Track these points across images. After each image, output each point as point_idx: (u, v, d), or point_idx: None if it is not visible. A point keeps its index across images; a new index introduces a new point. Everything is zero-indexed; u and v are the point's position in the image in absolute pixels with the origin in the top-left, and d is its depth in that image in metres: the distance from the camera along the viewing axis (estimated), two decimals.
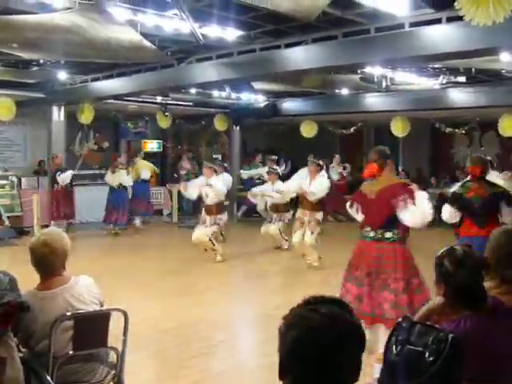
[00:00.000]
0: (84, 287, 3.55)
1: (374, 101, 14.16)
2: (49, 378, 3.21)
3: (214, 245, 9.94)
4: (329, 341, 1.51)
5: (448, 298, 2.70)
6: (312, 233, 9.29)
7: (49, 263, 3.43)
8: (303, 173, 9.89)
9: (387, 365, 2.27)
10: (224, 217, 10.19)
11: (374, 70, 10.43)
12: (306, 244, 9.33)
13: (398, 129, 14.51)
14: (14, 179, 14.41)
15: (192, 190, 10.48)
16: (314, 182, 9.32)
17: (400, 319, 2.38)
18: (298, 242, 9.40)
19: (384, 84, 11.45)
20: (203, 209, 10.31)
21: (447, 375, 2.11)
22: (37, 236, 3.58)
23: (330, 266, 9.02)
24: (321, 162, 9.66)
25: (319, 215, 9.49)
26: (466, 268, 2.66)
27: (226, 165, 12.71)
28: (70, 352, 3.42)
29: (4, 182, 14.25)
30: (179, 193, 15.61)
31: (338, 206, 13.87)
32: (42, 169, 15.75)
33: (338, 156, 16.14)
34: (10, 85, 12.62)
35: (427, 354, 2.14)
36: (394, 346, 2.25)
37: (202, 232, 9.90)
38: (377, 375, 2.50)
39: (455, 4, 4.95)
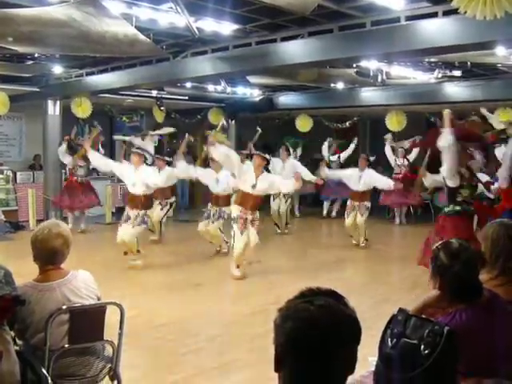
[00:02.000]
0: (82, 282, 3.55)
1: (369, 95, 14.15)
2: (44, 371, 3.21)
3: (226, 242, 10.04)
4: (324, 332, 1.51)
5: (443, 290, 2.70)
6: (362, 215, 11.02)
7: (59, 254, 3.45)
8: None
9: (382, 357, 2.28)
10: (228, 209, 9.77)
11: (370, 64, 10.42)
12: (358, 224, 11.05)
13: (394, 123, 14.51)
14: (9, 173, 14.40)
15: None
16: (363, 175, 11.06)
17: (395, 312, 2.39)
18: (351, 223, 11.08)
19: (380, 78, 11.44)
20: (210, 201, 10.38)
21: (442, 368, 2.12)
22: (42, 228, 3.50)
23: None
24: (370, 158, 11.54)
25: (368, 203, 11.18)
26: (461, 261, 2.67)
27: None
28: (66, 345, 3.43)
29: None
30: (174, 187, 15.62)
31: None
32: (38, 163, 15.71)
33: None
34: (5, 79, 12.57)
35: (422, 346, 2.15)
36: (389, 339, 2.26)
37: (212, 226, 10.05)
38: (372, 368, 2.50)
39: (452, 4, 4.94)
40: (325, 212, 15.44)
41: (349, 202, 11.30)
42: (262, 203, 8.86)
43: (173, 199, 11.89)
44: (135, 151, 9.43)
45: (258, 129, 13.24)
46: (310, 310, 1.53)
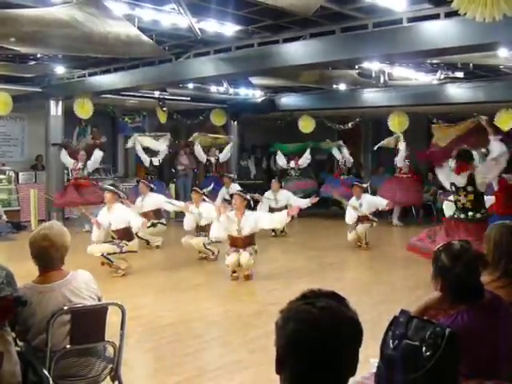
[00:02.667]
0: (82, 282, 3.55)
1: (371, 96, 14.16)
2: (46, 371, 3.21)
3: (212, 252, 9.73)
4: (326, 334, 1.51)
5: (445, 292, 2.70)
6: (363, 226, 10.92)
7: (48, 257, 3.44)
8: None
9: (384, 359, 2.27)
10: None
11: (372, 65, 10.43)
12: (360, 234, 10.90)
13: (396, 124, 14.48)
14: (12, 174, 14.42)
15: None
16: None
17: (397, 313, 2.38)
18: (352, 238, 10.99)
19: (382, 79, 11.46)
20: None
21: (444, 370, 2.12)
22: (37, 229, 3.59)
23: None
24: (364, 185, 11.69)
25: (373, 217, 11.12)
26: (463, 262, 2.66)
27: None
28: (68, 346, 3.43)
29: (1, 176, 14.27)
30: (175, 188, 15.62)
31: None
32: (40, 163, 15.73)
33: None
34: (8, 79, 12.59)
35: (424, 348, 2.14)
36: (391, 341, 2.26)
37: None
38: (373, 369, 2.50)
39: (452, 5, 4.95)
40: None
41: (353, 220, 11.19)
42: (254, 238, 8.47)
43: (163, 220, 11.60)
44: (108, 188, 9.33)
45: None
46: (312, 312, 1.53)
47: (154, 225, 11.02)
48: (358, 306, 1.64)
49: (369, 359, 2.61)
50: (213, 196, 15.03)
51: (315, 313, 1.53)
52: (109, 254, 8.38)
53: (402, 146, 13.96)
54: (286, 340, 1.53)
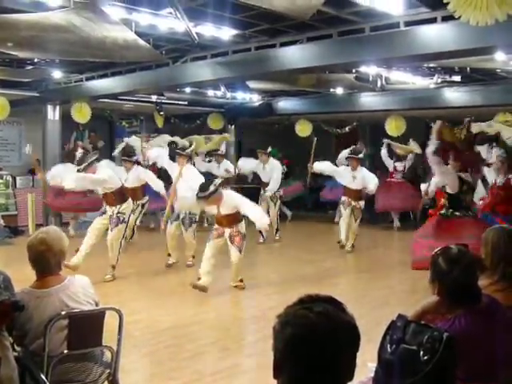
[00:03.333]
0: (79, 287, 3.54)
1: (369, 100, 14.17)
2: (43, 376, 3.21)
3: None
4: (323, 338, 1.51)
5: (442, 296, 2.70)
6: (356, 220, 11.19)
7: (45, 261, 3.43)
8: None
9: (382, 364, 2.27)
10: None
11: (369, 69, 10.45)
12: (352, 229, 11.12)
13: (393, 128, 14.50)
14: (9, 178, 14.41)
15: None
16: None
17: (395, 318, 2.38)
18: (347, 221, 11.16)
19: (379, 83, 11.48)
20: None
21: (442, 374, 2.11)
22: (35, 234, 3.60)
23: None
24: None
25: (362, 203, 11.30)
26: (460, 266, 2.66)
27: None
28: (65, 351, 3.42)
29: None
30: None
31: None
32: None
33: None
34: (5, 84, 12.58)
35: (422, 352, 2.14)
36: (388, 345, 2.26)
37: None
38: (371, 374, 2.50)
39: (448, 7, 4.96)
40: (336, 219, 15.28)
41: (344, 198, 11.28)
42: (240, 217, 7.93)
43: (145, 199, 11.18)
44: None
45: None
46: (309, 317, 1.53)
47: (143, 206, 10.99)
48: (355, 311, 1.64)
49: (366, 364, 2.61)
50: None
51: (312, 317, 1.53)
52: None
53: (410, 155, 14.09)
54: (284, 344, 1.53)
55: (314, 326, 1.52)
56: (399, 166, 14.33)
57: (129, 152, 11.11)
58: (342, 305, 1.61)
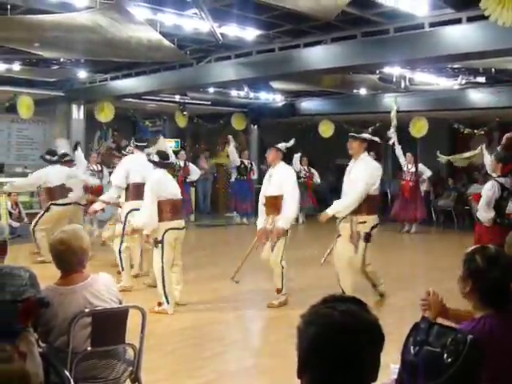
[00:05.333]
0: (103, 285, 3.57)
1: (392, 101, 14.09)
2: (67, 373, 3.24)
3: None
4: (347, 338, 1.51)
5: (474, 295, 2.64)
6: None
7: (65, 260, 3.48)
8: None
9: (405, 365, 2.26)
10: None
11: (393, 70, 10.39)
12: None
13: (417, 129, 14.41)
14: None
15: None
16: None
17: (418, 319, 2.37)
18: None
19: (403, 84, 11.41)
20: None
21: (466, 377, 2.09)
22: (56, 233, 3.64)
23: None
24: None
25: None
26: (499, 266, 2.61)
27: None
28: (89, 348, 3.45)
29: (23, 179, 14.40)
30: (195, 191, 15.67)
31: None
32: None
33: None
34: (31, 83, 12.75)
35: (445, 355, 2.12)
36: (411, 347, 2.24)
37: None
38: (393, 376, 2.49)
39: (480, 4, 4.92)
40: None
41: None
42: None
43: None
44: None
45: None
46: (333, 316, 1.53)
47: None
48: (378, 311, 1.64)
49: (389, 365, 2.60)
50: (239, 200, 15.05)
51: (336, 316, 1.53)
52: None
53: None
54: (308, 344, 1.54)
55: (338, 324, 1.52)
56: (411, 167, 13.92)
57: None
58: (366, 305, 1.61)
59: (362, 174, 6.96)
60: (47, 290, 3.41)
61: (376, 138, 7.28)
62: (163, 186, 6.88)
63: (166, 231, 6.63)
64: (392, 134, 13.82)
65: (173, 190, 7.01)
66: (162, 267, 6.60)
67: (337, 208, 7.43)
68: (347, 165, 7.31)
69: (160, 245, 6.63)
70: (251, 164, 15.51)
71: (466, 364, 2.08)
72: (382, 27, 7.70)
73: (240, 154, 15.82)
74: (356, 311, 1.56)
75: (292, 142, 7.51)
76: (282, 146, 7.22)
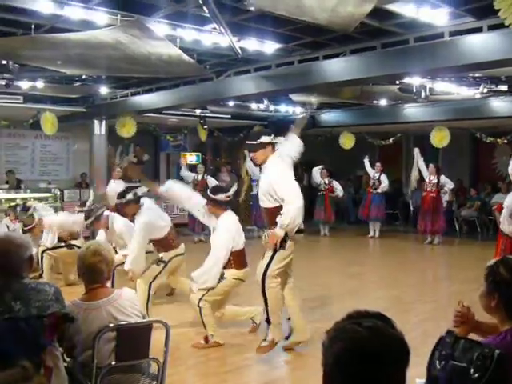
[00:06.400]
0: (127, 300, 3.59)
1: (413, 111, 14.05)
2: None
3: None
4: (372, 353, 1.50)
5: (500, 308, 2.56)
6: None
7: (97, 272, 3.51)
8: None
9: (431, 380, 2.24)
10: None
11: (413, 80, 10.35)
12: None
13: (438, 139, 14.33)
14: (57, 192, 14.74)
15: None
16: None
17: (443, 333, 2.34)
18: None
19: (423, 94, 11.35)
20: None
21: None
22: (86, 246, 3.69)
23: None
24: None
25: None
26: None
27: None
28: (113, 362, 3.47)
29: (47, 194, 14.58)
30: None
31: None
32: (84, 181, 16.05)
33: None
34: (54, 100, 12.94)
35: (472, 370, 2.10)
36: (437, 361, 2.22)
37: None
38: None
39: (499, 14, 4.90)
40: (371, 233, 15.10)
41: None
42: None
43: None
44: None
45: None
46: (359, 331, 1.52)
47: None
48: (402, 325, 1.63)
49: (414, 379, 2.57)
50: (259, 213, 15.01)
51: (362, 332, 1.53)
52: None
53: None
54: (333, 359, 1.53)
55: (363, 340, 1.51)
56: (433, 178, 13.61)
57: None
58: (391, 321, 1.60)
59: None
60: (72, 305, 3.44)
61: (277, 140, 5.79)
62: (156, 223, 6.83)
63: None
64: (417, 154, 13.73)
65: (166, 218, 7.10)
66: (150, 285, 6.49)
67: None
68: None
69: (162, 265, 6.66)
70: None
71: (494, 379, 2.05)
72: (401, 37, 7.69)
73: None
74: (381, 327, 1.55)
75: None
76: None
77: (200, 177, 14.24)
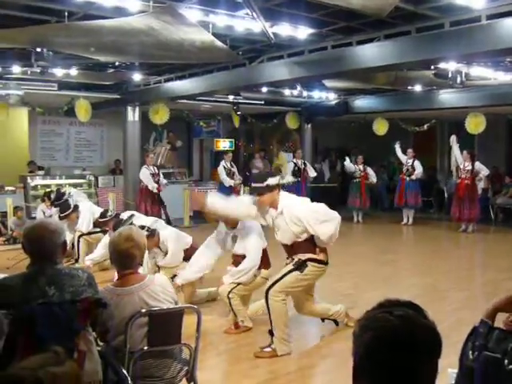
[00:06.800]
0: (159, 285, 3.62)
1: (448, 97, 13.81)
2: (125, 371, 3.30)
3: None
4: (403, 342, 1.48)
5: None
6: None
7: (131, 257, 3.54)
8: None
9: (463, 370, 2.20)
10: None
11: (449, 66, 10.17)
12: None
13: (474, 126, 14.08)
14: (92, 178, 14.97)
15: None
16: None
17: (476, 324, 2.30)
18: None
19: (459, 79, 11.14)
20: None
21: None
22: (118, 232, 3.72)
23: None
24: None
25: None
26: None
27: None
28: (145, 348, 3.51)
29: (82, 180, 14.82)
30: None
31: None
32: (118, 168, 16.22)
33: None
34: (88, 87, 13.06)
35: (506, 361, 2.05)
36: (470, 352, 2.18)
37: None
38: (452, 381, 2.42)
39: None
40: (404, 220, 14.95)
41: None
42: None
43: None
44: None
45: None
46: (390, 320, 1.50)
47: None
48: (436, 313, 1.60)
49: (447, 369, 2.53)
50: None
51: (393, 320, 1.50)
52: None
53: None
54: (364, 348, 1.51)
55: (395, 328, 1.49)
56: (467, 165, 13.37)
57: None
58: (423, 310, 1.57)
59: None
60: (105, 291, 3.48)
61: (284, 181, 5.78)
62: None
63: None
64: (453, 141, 13.48)
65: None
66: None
67: None
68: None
69: None
70: (305, 164, 15.47)
71: None
72: (436, 22, 7.53)
73: (294, 155, 15.83)
74: (413, 316, 1.53)
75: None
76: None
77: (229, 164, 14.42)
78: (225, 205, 5.81)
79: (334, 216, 5.33)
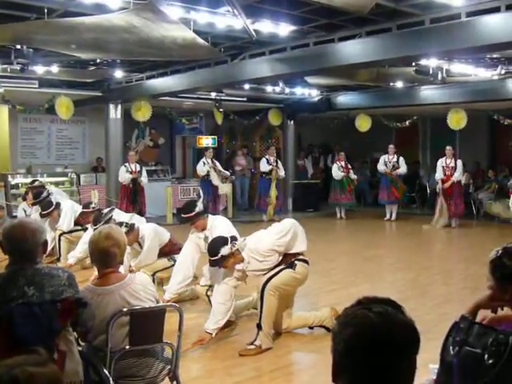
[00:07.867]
0: (140, 284, 3.60)
1: (429, 93, 13.90)
2: (106, 371, 3.28)
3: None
4: (382, 338, 1.48)
5: None
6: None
7: (110, 256, 3.51)
8: None
9: (444, 366, 2.21)
10: None
11: (430, 62, 10.23)
12: None
13: (455, 121, 14.19)
14: (74, 176, 14.85)
15: None
16: None
17: (457, 319, 2.31)
18: None
19: (440, 76, 11.21)
20: None
21: (508, 379, 2.04)
22: (98, 230, 3.68)
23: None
24: None
25: None
26: None
27: None
28: (127, 347, 3.49)
29: (64, 178, 14.71)
30: (233, 188, 15.67)
31: None
32: (100, 166, 16.13)
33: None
34: (69, 84, 12.96)
35: (486, 356, 2.07)
36: (450, 347, 2.19)
37: None
38: (432, 376, 2.44)
39: None
40: (387, 215, 15.02)
41: None
42: None
43: None
44: None
45: None
46: (369, 317, 1.50)
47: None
48: (417, 308, 1.62)
49: (427, 364, 2.55)
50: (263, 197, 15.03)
51: (372, 317, 1.51)
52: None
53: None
54: (343, 345, 1.51)
55: (374, 325, 1.49)
56: (450, 162, 13.43)
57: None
58: (401, 307, 1.57)
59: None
60: (86, 290, 3.46)
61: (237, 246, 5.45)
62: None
63: None
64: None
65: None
66: None
67: None
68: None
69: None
70: (277, 162, 15.11)
71: (508, 365, 2.02)
72: (417, 19, 7.57)
73: (267, 151, 15.80)
74: (392, 313, 1.53)
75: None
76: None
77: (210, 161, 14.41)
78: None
79: (287, 226, 5.56)
